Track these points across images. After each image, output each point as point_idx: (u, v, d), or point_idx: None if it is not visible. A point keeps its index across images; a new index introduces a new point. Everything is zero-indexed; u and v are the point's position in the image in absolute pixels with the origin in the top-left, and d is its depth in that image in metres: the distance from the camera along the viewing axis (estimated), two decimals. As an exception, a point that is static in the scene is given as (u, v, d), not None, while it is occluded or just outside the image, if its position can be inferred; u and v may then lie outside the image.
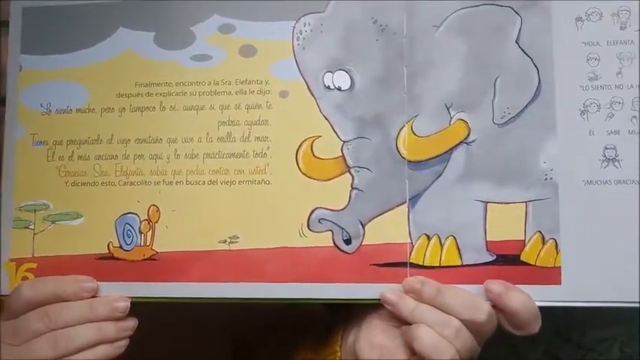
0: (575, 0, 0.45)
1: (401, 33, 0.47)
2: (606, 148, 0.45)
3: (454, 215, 0.46)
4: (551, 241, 0.45)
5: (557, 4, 0.46)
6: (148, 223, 0.48)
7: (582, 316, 0.59)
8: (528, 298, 0.44)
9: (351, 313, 0.50)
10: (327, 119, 0.47)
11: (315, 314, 0.59)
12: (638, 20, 0.45)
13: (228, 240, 0.47)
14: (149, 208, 0.48)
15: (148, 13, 0.49)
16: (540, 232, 0.45)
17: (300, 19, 0.48)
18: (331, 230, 0.46)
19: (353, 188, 0.47)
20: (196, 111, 0.48)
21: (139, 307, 0.47)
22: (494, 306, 0.44)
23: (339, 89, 0.47)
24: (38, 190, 0.49)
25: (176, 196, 0.48)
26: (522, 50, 0.46)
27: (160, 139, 0.48)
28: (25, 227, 0.49)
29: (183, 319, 0.55)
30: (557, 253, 0.45)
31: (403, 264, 0.46)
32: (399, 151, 0.46)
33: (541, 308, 0.44)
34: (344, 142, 0.47)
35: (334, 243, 0.46)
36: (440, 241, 0.46)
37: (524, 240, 0.45)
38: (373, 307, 0.47)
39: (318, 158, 0.47)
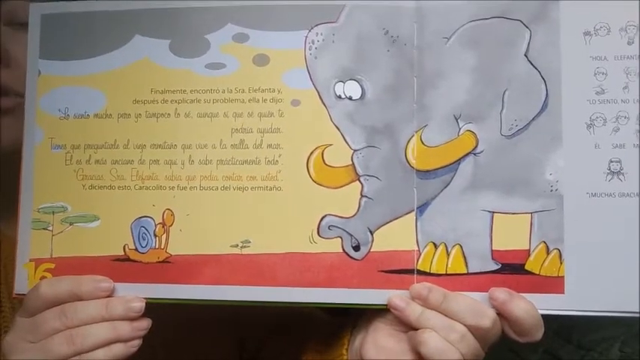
0: (583, 14, 0.46)
1: (411, 44, 0.48)
2: (611, 162, 0.46)
3: (461, 224, 0.47)
4: (555, 251, 0.46)
5: (566, 18, 0.46)
6: (163, 226, 0.49)
7: (582, 317, 0.59)
8: (532, 307, 0.45)
9: (358, 317, 0.51)
10: (337, 128, 0.48)
11: (317, 317, 0.60)
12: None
13: (240, 244, 0.48)
14: (164, 212, 0.49)
15: (163, 21, 0.50)
16: (545, 242, 0.46)
17: (312, 28, 0.49)
18: (340, 237, 0.48)
19: (362, 196, 0.48)
20: (210, 118, 0.49)
21: (146, 306, 0.48)
22: (498, 313, 0.45)
23: (350, 99, 0.48)
24: (56, 192, 0.50)
25: (190, 201, 0.49)
26: (531, 63, 0.47)
27: (175, 145, 0.49)
28: (44, 229, 0.50)
29: (190, 319, 0.56)
30: (561, 263, 0.46)
31: (410, 271, 0.47)
32: (408, 161, 0.47)
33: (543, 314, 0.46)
34: (354, 150, 0.48)
35: (343, 249, 0.48)
36: (446, 249, 0.47)
37: (529, 250, 0.46)
38: (380, 312, 0.48)
39: (329, 166, 0.48)
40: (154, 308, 0.48)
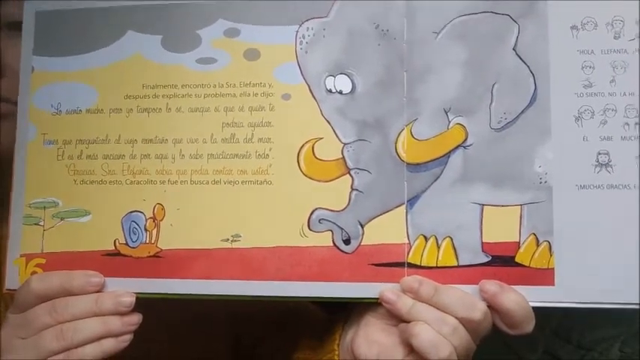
0: (571, 9, 0.47)
1: (401, 38, 0.48)
2: (599, 154, 0.46)
3: (451, 217, 0.47)
4: (545, 243, 0.46)
5: (553, 13, 0.47)
6: (154, 221, 0.49)
7: (582, 317, 0.59)
8: (522, 299, 0.45)
9: (349, 312, 0.51)
10: (328, 122, 0.49)
11: (312, 313, 0.60)
12: (632, 30, 0.46)
13: (231, 238, 0.48)
14: (154, 206, 0.49)
15: (155, 17, 0.51)
16: (535, 234, 0.46)
17: (303, 23, 0.49)
18: (331, 230, 0.48)
19: (353, 189, 0.48)
20: (201, 112, 0.50)
21: (141, 302, 0.48)
22: (489, 305, 0.45)
23: (340, 93, 0.49)
24: (48, 187, 0.50)
25: (181, 195, 0.49)
26: (519, 57, 0.47)
27: (166, 139, 0.50)
28: (35, 224, 0.50)
29: (185, 316, 0.56)
30: (551, 255, 0.46)
31: (401, 264, 0.47)
32: (398, 154, 0.48)
33: (538, 309, 0.46)
34: (344, 144, 0.48)
35: (334, 243, 0.48)
36: (437, 242, 0.47)
37: (519, 242, 0.46)
38: (371, 306, 0.48)
39: (319, 160, 0.48)
40: (148, 304, 0.48)
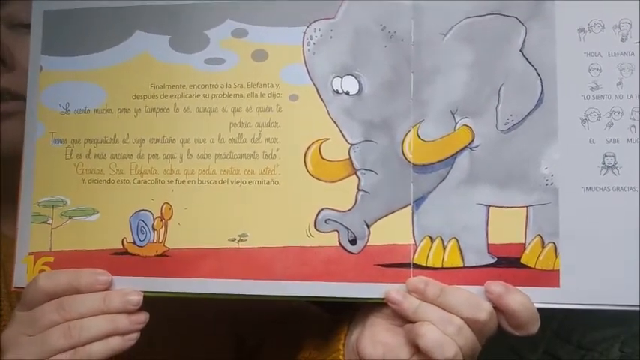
0: (578, 12, 0.47)
1: (409, 40, 0.48)
2: (606, 156, 0.46)
3: (457, 218, 0.47)
4: (550, 244, 0.46)
5: (560, 15, 0.47)
6: (161, 220, 0.50)
7: (582, 317, 0.59)
8: (527, 300, 0.45)
9: (354, 312, 0.51)
10: (335, 123, 0.49)
11: (314, 313, 0.61)
12: (639, 32, 0.46)
13: (238, 238, 0.49)
14: (162, 205, 0.50)
15: (163, 17, 0.51)
16: (540, 235, 0.46)
17: (310, 24, 0.49)
18: (337, 230, 0.48)
19: (359, 190, 0.48)
20: (209, 113, 0.50)
21: (143, 302, 0.48)
22: (494, 306, 0.46)
23: (347, 94, 0.49)
24: (56, 186, 0.51)
25: (188, 195, 0.49)
26: (526, 59, 0.47)
27: (174, 139, 0.50)
28: (44, 222, 0.51)
29: (185, 316, 0.56)
30: (557, 257, 0.46)
31: (407, 264, 0.47)
32: (404, 155, 0.48)
33: (540, 309, 0.46)
34: (351, 145, 0.48)
35: (340, 243, 0.48)
36: (443, 243, 0.47)
37: (525, 243, 0.46)
38: (376, 306, 0.48)
39: (326, 160, 0.49)
40: (152, 304, 0.48)
